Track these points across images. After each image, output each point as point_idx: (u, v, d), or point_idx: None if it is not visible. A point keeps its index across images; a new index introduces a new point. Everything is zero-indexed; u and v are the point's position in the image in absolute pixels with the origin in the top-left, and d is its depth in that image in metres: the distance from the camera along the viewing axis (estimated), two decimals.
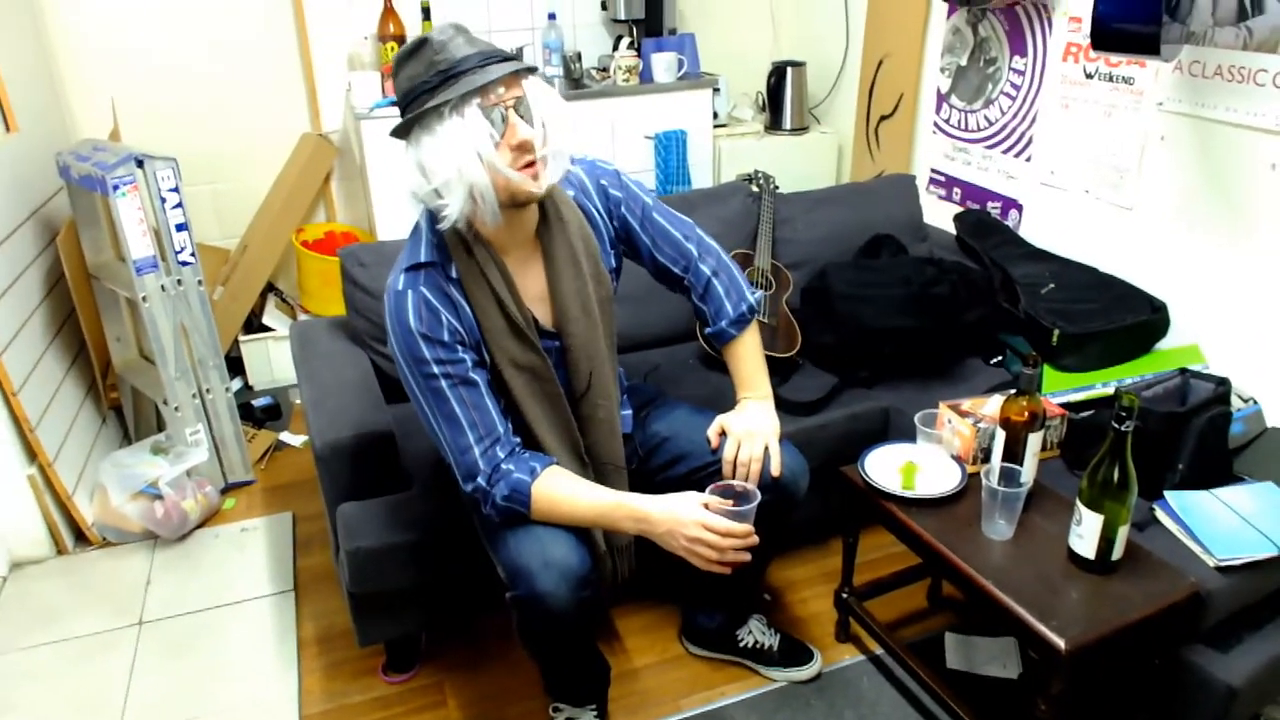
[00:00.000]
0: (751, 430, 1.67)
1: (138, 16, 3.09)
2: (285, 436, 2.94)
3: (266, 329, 3.28)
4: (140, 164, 2.39)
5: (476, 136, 1.34)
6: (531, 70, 1.41)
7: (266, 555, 2.40)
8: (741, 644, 1.98)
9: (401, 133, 1.40)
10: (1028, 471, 1.69)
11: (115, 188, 2.33)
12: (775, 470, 1.65)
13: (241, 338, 3.22)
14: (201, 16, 3.16)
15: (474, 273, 1.47)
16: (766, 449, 1.66)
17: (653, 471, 1.77)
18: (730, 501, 1.48)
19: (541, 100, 1.42)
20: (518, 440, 1.54)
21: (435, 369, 1.46)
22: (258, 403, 3.07)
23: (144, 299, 2.41)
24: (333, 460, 1.81)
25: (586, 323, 1.58)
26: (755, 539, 1.48)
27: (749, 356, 1.75)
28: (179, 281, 2.47)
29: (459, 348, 1.47)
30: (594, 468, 1.64)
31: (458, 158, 1.34)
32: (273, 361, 3.24)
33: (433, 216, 1.47)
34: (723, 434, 1.69)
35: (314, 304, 3.27)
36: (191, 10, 3.14)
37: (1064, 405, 1.97)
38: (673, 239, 1.72)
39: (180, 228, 2.46)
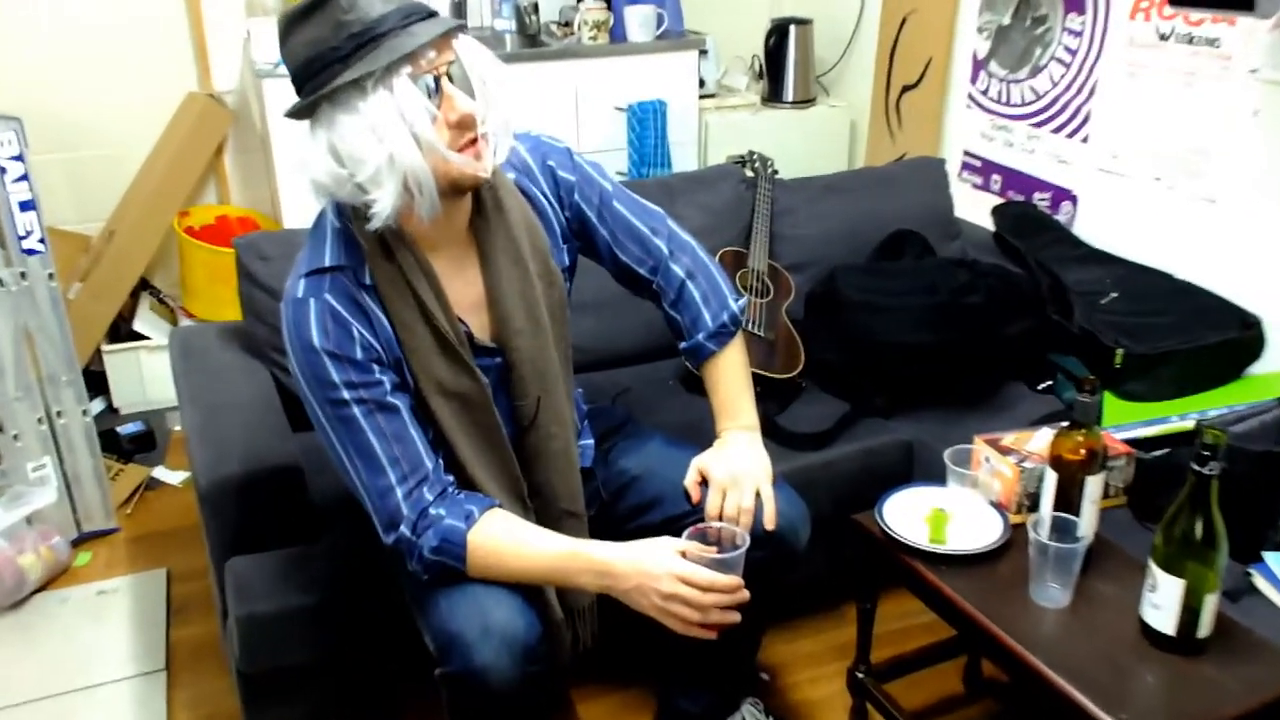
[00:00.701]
0: (737, 474, 1.63)
1: None
2: (160, 472, 2.89)
3: (138, 336, 3.22)
4: None
5: (411, 113, 1.32)
6: (462, 28, 1.41)
7: (131, 625, 2.33)
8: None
9: (305, 113, 1.37)
10: (1086, 523, 1.67)
11: None
12: (769, 522, 1.62)
13: (105, 347, 3.16)
14: None
15: (394, 278, 1.46)
16: (758, 494, 1.63)
17: (620, 518, 1.74)
18: (713, 548, 1.46)
19: (477, 64, 1.41)
20: (450, 479, 1.52)
21: (345, 393, 1.44)
22: (124, 429, 3.01)
23: None
24: (221, 502, 1.78)
25: (534, 333, 1.58)
26: (745, 595, 1.45)
27: (732, 377, 1.74)
28: (22, 275, 2.42)
29: (375, 367, 1.46)
30: (544, 514, 1.63)
31: (389, 141, 1.32)
32: (145, 378, 3.18)
33: (340, 209, 1.46)
34: (703, 482, 1.66)
35: (200, 305, 3.22)
36: None
37: (1130, 442, 1.95)
38: (638, 233, 1.71)
39: (25, 206, 2.40)
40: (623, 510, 1.74)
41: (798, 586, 2.18)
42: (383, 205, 1.35)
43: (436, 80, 1.35)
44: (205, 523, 1.81)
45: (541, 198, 1.63)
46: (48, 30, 3.15)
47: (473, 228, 1.54)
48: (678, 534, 1.54)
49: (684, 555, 1.44)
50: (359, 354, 1.44)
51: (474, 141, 1.39)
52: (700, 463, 1.67)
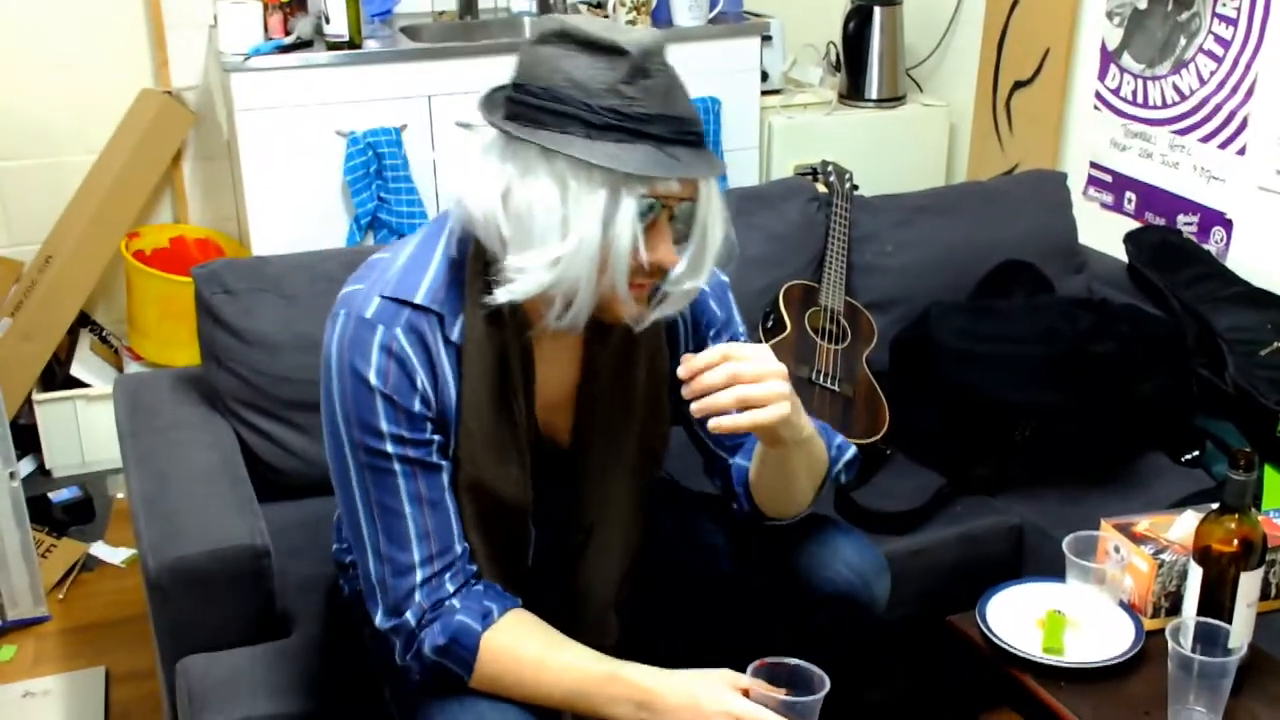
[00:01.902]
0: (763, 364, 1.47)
1: None
2: (99, 549, 2.91)
3: (76, 383, 3.25)
4: None
5: (618, 234, 1.34)
6: (724, 171, 1.45)
7: None
8: None
9: (504, 123, 1.39)
10: (1239, 631, 1.67)
11: None
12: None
13: (37, 396, 3.19)
14: None
15: (485, 350, 1.48)
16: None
17: None
18: (782, 690, 1.44)
19: (710, 218, 1.44)
20: (474, 569, 1.53)
21: (389, 446, 1.45)
22: (58, 496, 3.04)
23: None
24: (173, 590, 1.77)
25: (609, 470, 1.61)
26: None
27: None
28: None
29: (428, 424, 1.47)
30: (571, 620, 1.61)
31: (571, 241, 1.34)
32: (83, 433, 3.21)
33: (465, 242, 1.47)
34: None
35: (149, 346, 3.25)
36: None
37: None
38: None
39: None
40: None
41: (878, 705, 2.17)
42: (519, 286, 1.37)
43: (660, 211, 1.37)
44: (153, 614, 1.81)
45: (679, 321, 1.65)
46: None
47: (589, 334, 1.54)
48: (689, 593, 1.58)
49: (747, 695, 1.43)
50: (417, 407, 1.45)
51: (647, 286, 1.43)
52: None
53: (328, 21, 3.09)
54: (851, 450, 1.72)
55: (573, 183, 1.34)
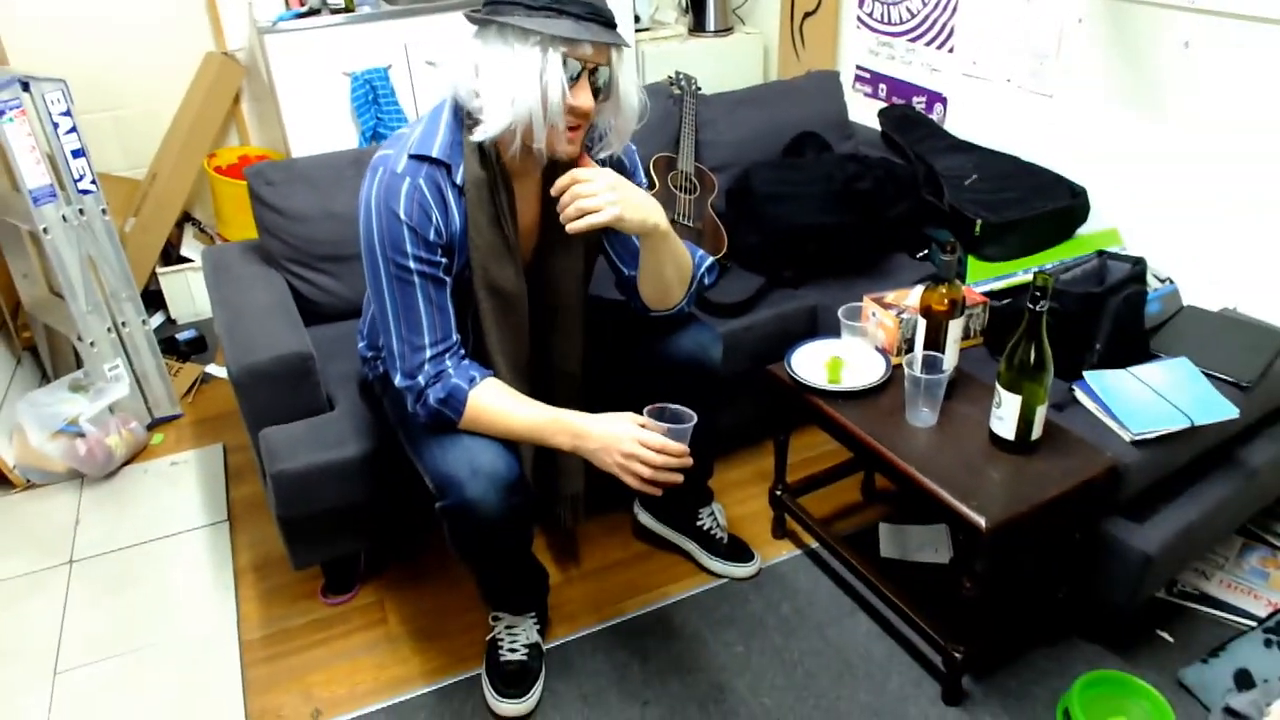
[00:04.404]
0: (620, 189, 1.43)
1: None
2: (212, 369, 2.85)
3: (186, 260, 3.15)
4: (26, 87, 2.23)
5: (551, 81, 1.32)
6: (626, 45, 1.40)
7: (198, 488, 2.33)
8: (699, 524, 1.97)
9: (476, 21, 1.37)
10: (949, 359, 1.69)
11: (0, 113, 2.17)
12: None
13: (160, 270, 3.08)
14: None
15: (481, 186, 1.44)
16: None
17: None
18: (665, 424, 1.46)
19: (621, 79, 1.42)
20: (464, 352, 1.51)
21: (411, 263, 1.42)
22: (181, 336, 2.96)
23: (45, 231, 2.28)
24: (251, 385, 1.75)
25: (567, 269, 1.57)
26: (689, 460, 1.45)
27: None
28: (81, 211, 2.34)
29: (439, 250, 1.44)
30: (547, 373, 1.63)
31: (522, 88, 1.32)
32: (194, 293, 3.11)
33: (457, 114, 1.43)
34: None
35: (232, 231, 3.13)
36: None
37: (987, 294, 1.96)
38: (634, 244, 1.64)
39: (77, 154, 2.32)
40: None
41: (728, 428, 2.20)
42: (489, 126, 1.36)
43: (581, 70, 1.35)
44: (240, 403, 1.79)
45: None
46: (85, 4, 2.98)
47: (547, 175, 1.51)
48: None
49: (643, 426, 1.44)
50: (431, 235, 1.42)
51: (576, 128, 1.39)
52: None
53: None
54: (710, 259, 1.70)
55: (516, 44, 1.32)
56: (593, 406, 1.53)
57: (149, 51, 3.10)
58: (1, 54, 2.82)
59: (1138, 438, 1.62)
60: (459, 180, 1.43)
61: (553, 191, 1.42)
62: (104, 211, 2.38)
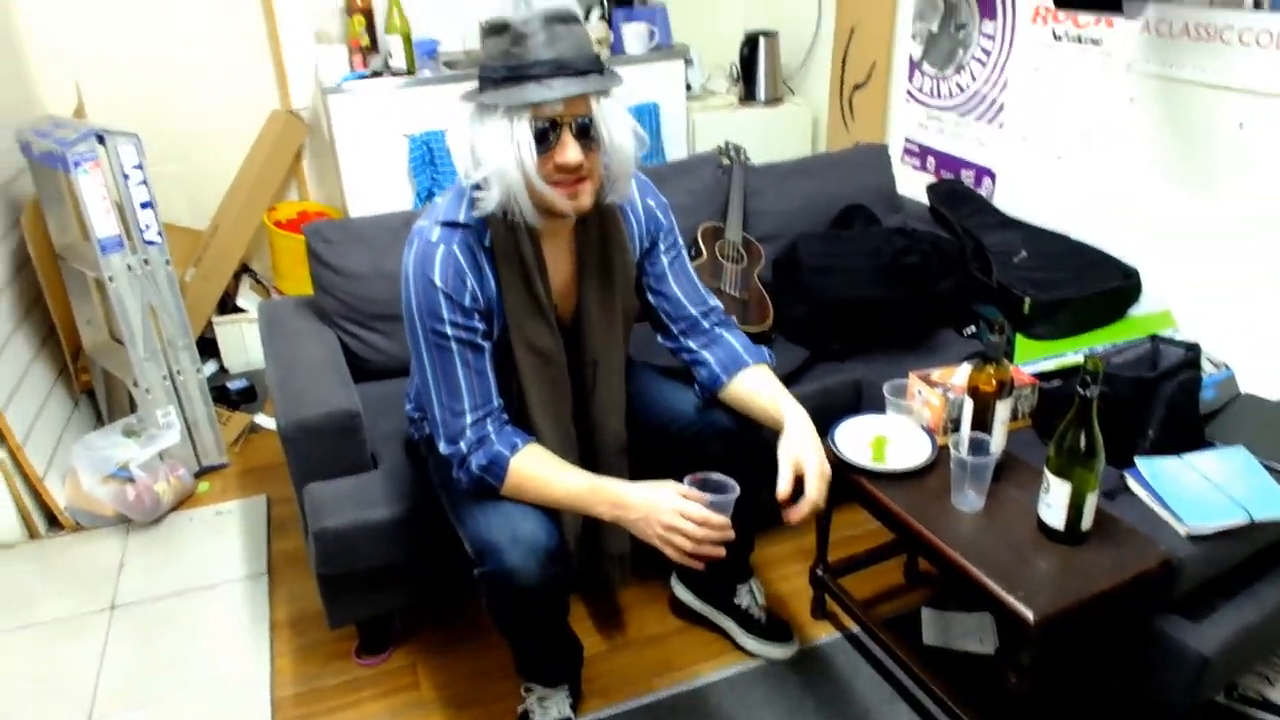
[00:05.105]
0: (826, 470, 1.53)
1: None
2: (260, 419, 2.88)
3: (240, 310, 3.21)
4: (101, 140, 2.32)
5: (521, 147, 1.33)
6: (606, 91, 1.38)
7: (241, 538, 2.35)
8: (737, 601, 1.94)
9: (467, 103, 1.40)
10: (997, 441, 1.65)
11: (76, 164, 2.26)
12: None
13: (215, 319, 3.15)
14: None
15: (509, 247, 1.45)
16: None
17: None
18: (708, 495, 1.44)
19: (611, 123, 1.39)
20: (506, 417, 1.51)
21: (448, 330, 1.44)
22: (232, 385, 3.01)
23: (110, 279, 2.35)
24: (299, 440, 1.77)
25: (604, 326, 1.57)
26: (731, 533, 1.43)
27: (773, 377, 1.65)
28: (145, 261, 2.41)
29: (475, 315, 1.45)
30: (591, 459, 1.61)
31: (500, 159, 1.34)
32: (247, 343, 3.17)
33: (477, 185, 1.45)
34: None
35: (288, 284, 3.20)
36: None
37: (1036, 374, 1.93)
38: (696, 285, 1.68)
39: (145, 205, 2.39)
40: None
41: (770, 501, 2.16)
42: (489, 200, 1.38)
43: (556, 126, 1.34)
44: (287, 456, 1.80)
45: (633, 224, 1.62)
46: (162, 65, 3.12)
47: (577, 234, 1.53)
48: (665, 443, 1.58)
49: (684, 497, 1.43)
50: (467, 301, 1.44)
51: (574, 183, 1.38)
52: (795, 455, 1.53)
53: (391, 58, 3.02)
54: (769, 354, 1.72)
55: (488, 120, 1.35)
56: (637, 468, 1.52)
57: (218, 108, 3.22)
58: (80, 108, 2.94)
59: (1193, 532, 1.57)
60: (488, 243, 1.45)
61: (794, 521, 1.48)
62: (167, 262, 2.45)
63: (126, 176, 2.36)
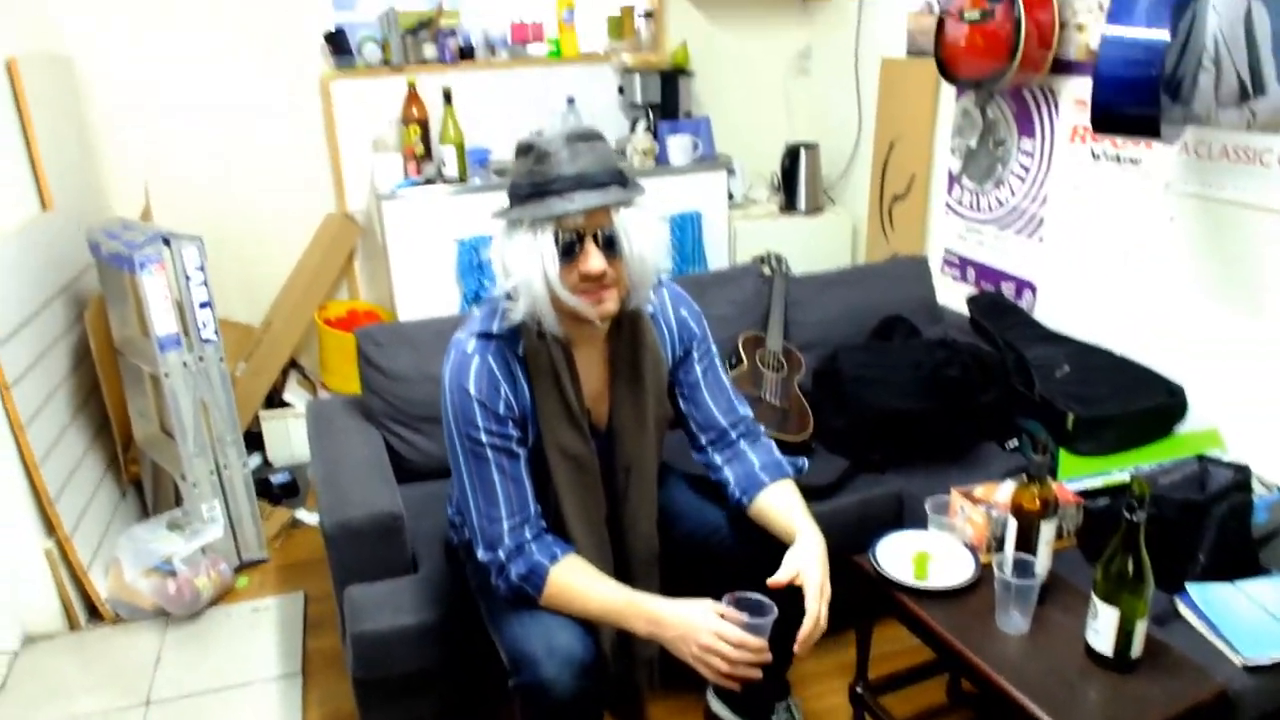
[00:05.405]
0: (825, 586, 1.52)
1: (173, 101, 3.18)
2: (301, 514, 2.92)
3: (287, 405, 3.28)
4: (167, 243, 2.44)
5: (544, 258, 1.39)
6: (628, 201, 1.43)
7: (276, 636, 2.36)
8: (774, 719, 1.91)
9: (499, 220, 1.47)
10: (1042, 562, 1.64)
11: (142, 265, 2.37)
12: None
13: (262, 413, 3.22)
14: (234, 103, 3.24)
15: (540, 356, 1.49)
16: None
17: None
18: (745, 615, 1.43)
19: (634, 232, 1.44)
20: (544, 524, 1.53)
21: (484, 437, 1.48)
22: (275, 479, 3.05)
23: (166, 375, 2.43)
24: (341, 540, 1.80)
25: (638, 433, 1.60)
26: (768, 656, 1.42)
27: (795, 493, 1.66)
28: (200, 358, 2.50)
29: (510, 422, 1.49)
30: (622, 565, 1.62)
31: (526, 270, 1.40)
32: (292, 438, 3.23)
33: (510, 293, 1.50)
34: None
35: (335, 381, 3.27)
36: (225, 98, 3.23)
37: (1080, 493, 1.92)
38: (729, 395, 1.70)
39: (204, 305, 2.49)
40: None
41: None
42: (516, 313, 1.45)
43: (580, 237, 1.40)
44: (329, 556, 1.82)
45: (665, 332, 1.66)
46: (226, 168, 3.27)
47: (610, 341, 1.57)
48: (693, 551, 1.57)
49: (722, 616, 1.42)
50: (502, 409, 1.48)
51: (599, 289, 1.43)
52: (798, 568, 1.52)
53: (445, 166, 3.13)
54: (805, 463, 1.79)
55: (513, 234, 1.42)
56: (670, 578, 1.52)
57: (277, 209, 3.36)
58: (148, 210, 3.09)
59: (1250, 663, 1.54)
60: (520, 352, 1.50)
61: (802, 649, 1.48)
62: (221, 360, 2.53)
63: (188, 278, 2.47)
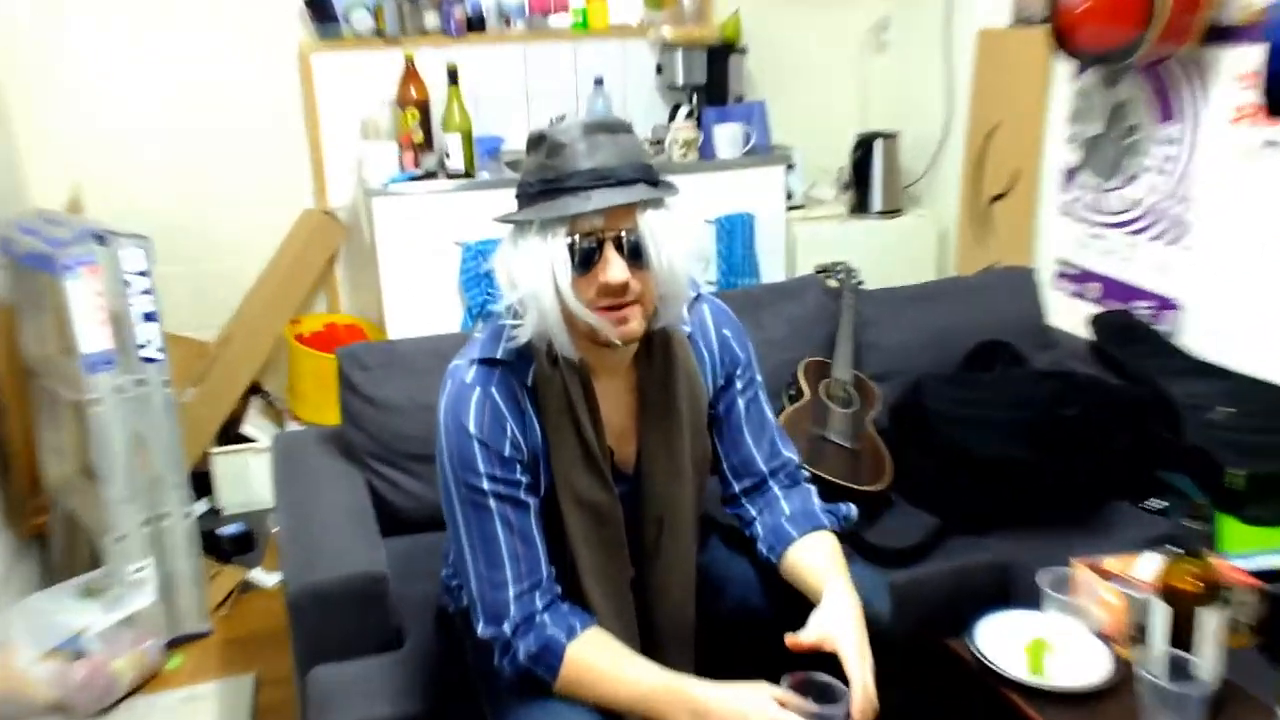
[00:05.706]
0: (866, 652, 1.41)
1: (112, 73, 3.13)
2: (255, 575, 2.84)
3: (245, 439, 3.22)
4: (102, 241, 2.37)
5: (555, 266, 1.37)
6: (656, 202, 1.41)
7: None
8: None
9: (504, 224, 1.46)
10: (1208, 663, 1.50)
11: (67, 268, 2.29)
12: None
13: (213, 450, 3.16)
14: (191, 78, 3.21)
15: (554, 387, 1.47)
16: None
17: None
18: (812, 700, 1.34)
19: (662, 238, 1.40)
20: (558, 589, 1.49)
21: (485, 484, 1.44)
22: (226, 531, 2.98)
23: (93, 402, 2.35)
24: (307, 607, 1.73)
25: (671, 477, 1.57)
26: None
27: (831, 543, 1.59)
28: (139, 381, 2.42)
29: (517, 466, 1.46)
30: (650, 639, 1.57)
31: (533, 281, 1.37)
32: (251, 479, 3.17)
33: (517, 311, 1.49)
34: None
35: (306, 410, 3.21)
36: (179, 71, 3.19)
37: (1256, 573, 1.76)
38: (772, 435, 1.67)
39: (148, 318, 2.43)
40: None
41: (887, 710, 1.99)
42: (522, 331, 1.41)
43: (600, 243, 1.36)
44: (292, 630, 1.76)
45: (706, 356, 1.62)
46: (178, 150, 3.23)
47: (636, 366, 1.54)
48: (736, 626, 1.55)
49: (783, 704, 1.33)
50: (507, 450, 1.44)
51: (620, 307, 1.39)
52: (826, 632, 1.43)
53: (448, 157, 3.10)
54: (853, 511, 1.69)
55: (520, 240, 1.40)
56: (706, 660, 1.49)
57: (242, 204, 3.32)
58: (77, 203, 3.03)
59: None
60: (530, 381, 1.47)
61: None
62: (166, 383, 2.46)
63: (128, 284, 2.39)
